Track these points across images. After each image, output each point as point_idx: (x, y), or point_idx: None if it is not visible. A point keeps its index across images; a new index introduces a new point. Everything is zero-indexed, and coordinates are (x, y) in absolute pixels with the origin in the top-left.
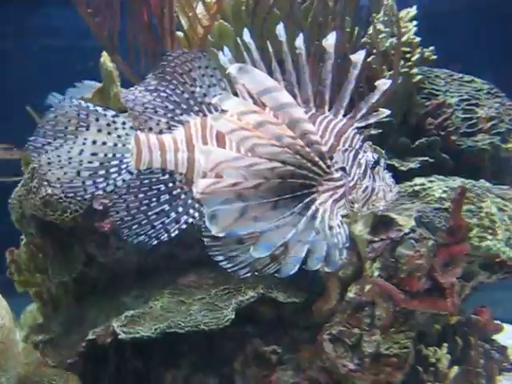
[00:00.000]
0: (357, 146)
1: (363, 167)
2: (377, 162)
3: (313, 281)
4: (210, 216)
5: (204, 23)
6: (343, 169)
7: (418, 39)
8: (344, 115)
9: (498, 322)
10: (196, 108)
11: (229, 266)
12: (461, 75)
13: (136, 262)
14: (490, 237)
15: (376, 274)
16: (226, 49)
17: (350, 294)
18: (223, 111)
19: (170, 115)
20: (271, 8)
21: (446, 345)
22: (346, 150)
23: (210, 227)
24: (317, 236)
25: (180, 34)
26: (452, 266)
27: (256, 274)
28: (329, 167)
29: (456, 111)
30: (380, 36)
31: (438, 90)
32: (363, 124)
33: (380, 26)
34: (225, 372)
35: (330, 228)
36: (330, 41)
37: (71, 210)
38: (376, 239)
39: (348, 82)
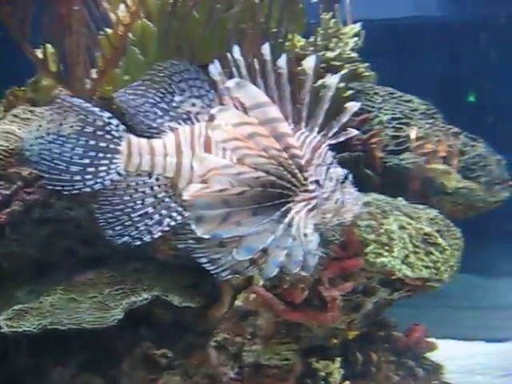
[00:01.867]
0: (328, 162)
1: (334, 181)
2: (346, 177)
3: (213, 286)
4: (196, 219)
5: (126, 21)
6: (317, 182)
7: (353, 55)
8: (317, 132)
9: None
10: (184, 116)
11: (211, 267)
12: (401, 94)
13: (33, 255)
14: (385, 253)
15: (261, 283)
16: (216, 62)
17: (238, 302)
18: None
19: (159, 121)
20: (191, 10)
21: (338, 359)
22: (320, 164)
23: (195, 229)
24: (293, 242)
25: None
26: (347, 280)
27: (237, 275)
28: (305, 179)
29: (387, 129)
30: (310, 48)
31: (372, 107)
32: (334, 141)
33: (317, 39)
34: (112, 373)
35: (305, 235)
36: (309, 63)
37: None
38: None
39: (323, 102)
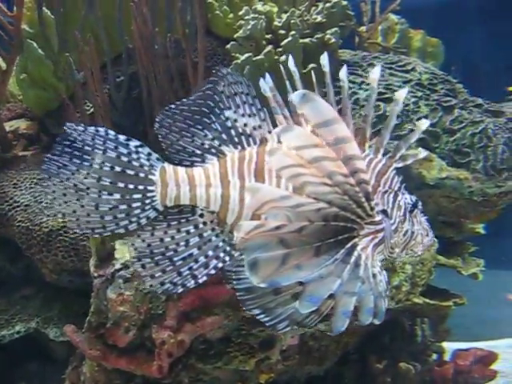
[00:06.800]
0: (396, 188)
1: (402, 210)
2: (415, 205)
3: None
4: (251, 264)
5: (14, 13)
6: (384, 211)
7: (319, 19)
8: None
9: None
10: (236, 139)
11: (267, 319)
12: (406, 62)
13: None
14: None
15: (88, 318)
16: (267, 75)
17: None
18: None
19: (206, 146)
20: None
21: None
22: (386, 191)
23: (250, 277)
24: (363, 286)
25: None
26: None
27: (296, 327)
28: (372, 209)
29: (362, 108)
30: (246, 17)
31: (353, 82)
32: (401, 165)
33: (259, 5)
34: None
35: (374, 276)
36: (374, 75)
37: None
38: (95, 275)
39: (389, 120)
